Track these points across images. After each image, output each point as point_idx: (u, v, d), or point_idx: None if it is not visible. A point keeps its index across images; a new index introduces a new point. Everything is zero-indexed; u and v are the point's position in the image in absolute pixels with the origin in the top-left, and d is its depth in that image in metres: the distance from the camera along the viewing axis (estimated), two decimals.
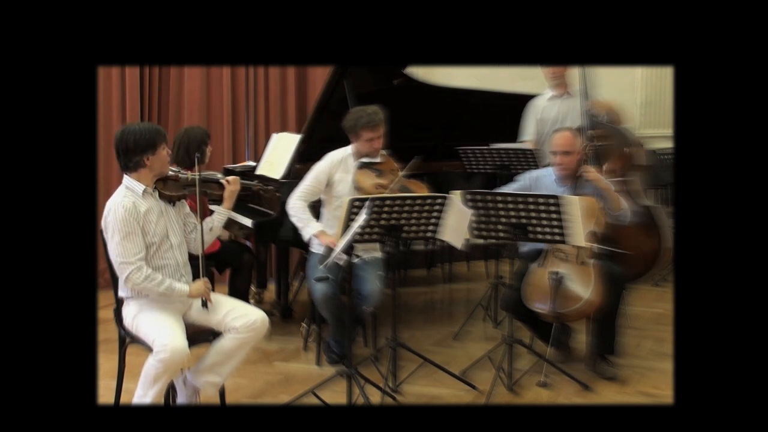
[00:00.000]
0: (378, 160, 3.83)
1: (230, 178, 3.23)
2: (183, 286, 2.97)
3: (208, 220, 3.19)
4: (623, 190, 3.84)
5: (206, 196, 3.21)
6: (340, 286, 3.66)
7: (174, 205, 3.08)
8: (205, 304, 3.00)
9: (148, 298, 2.97)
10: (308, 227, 3.74)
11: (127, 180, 2.97)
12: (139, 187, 2.95)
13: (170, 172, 3.07)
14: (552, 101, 4.62)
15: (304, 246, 3.95)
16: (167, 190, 3.03)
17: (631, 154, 4.16)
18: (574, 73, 4.48)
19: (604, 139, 4.15)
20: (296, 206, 3.79)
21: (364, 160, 3.81)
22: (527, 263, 3.76)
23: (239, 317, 2.98)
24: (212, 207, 3.29)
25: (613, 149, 4.16)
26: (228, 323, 2.98)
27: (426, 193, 3.72)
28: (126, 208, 2.87)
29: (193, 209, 3.20)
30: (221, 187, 3.21)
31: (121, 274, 2.88)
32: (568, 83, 4.58)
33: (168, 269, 3.00)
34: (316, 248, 3.88)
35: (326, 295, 3.65)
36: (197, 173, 3.09)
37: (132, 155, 2.92)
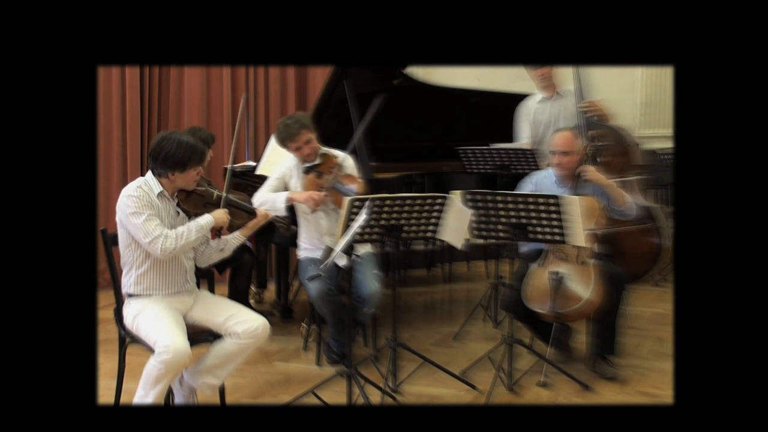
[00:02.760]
0: (317, 162, 3.86)
1: (260, 211, 3.23)
2: (207, 218, 3.00)
3: (222, 239, 3.17)
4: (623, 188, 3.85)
5: None
6: (339, 287, 3.68)
7: (190, 217, 3.07)
8: (219, 234, 3.04)
9: (150, 298, 2.98)
10: (279, 197, 3.82)
11: (149, 176, 2.99)
12: (156, 188, 2.95)
13: (198, 187, 3.06)
14: (543, 103, 4.63)
15: None
16: (187, 204, 3.04)
17: (627, 154, 4.16)
18: (563, 73, 4.49)
19: (599, 139, 4.16)
20: (260, 197, 3.89)
21: (307, 164, 3.88)
22: (527, 263, 3.76)
23: (241, 323, 2.98)
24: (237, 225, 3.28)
25: (608, 149, 4.16)
26: (229, 327, 2.98)
27: (359, 185, 3.78)
28: (143, 189, 2.91)
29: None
30: (247, 215, 3.19)
31: (156, 252, 2.87)
32: (557, 84, 4.59)
33: (173, 272, 3.02)
34: (303, 253, 3.97)
35: (322, 291, 3.66)
36: (224, 194, 3.08)
37: (159, 166, 2.94)
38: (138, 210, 2.86)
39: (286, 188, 3.95)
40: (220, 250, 3.17)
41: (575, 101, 4.34)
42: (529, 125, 4.67)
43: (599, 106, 4.30)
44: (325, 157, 3.88)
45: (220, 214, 3.03)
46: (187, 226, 2.94)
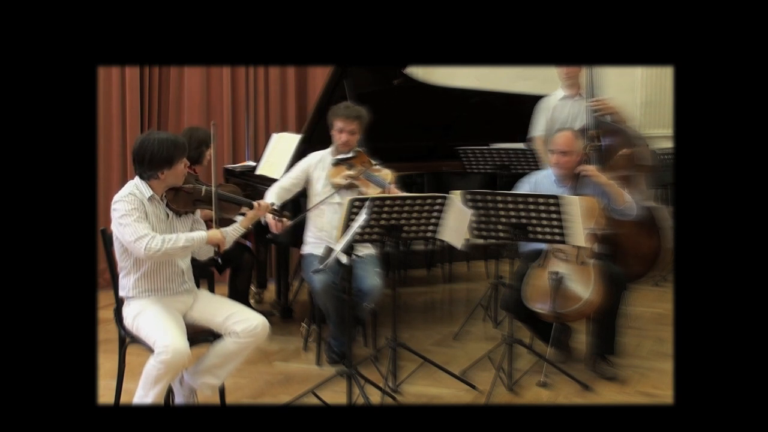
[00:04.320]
0: (350, 155, 3.93)
1: (261, 203, 3.21)
2: (201, 233, 2.97)
3: (222, 230, 3.11)
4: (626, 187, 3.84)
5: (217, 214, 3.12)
6: (341, 284, 3.68)
7: (180, 216, 3.06)
8: (218, 254, 3.01)
9: (149, 299, 2.98)
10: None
11: (137, 181, 2.97)
12: (147, 192, 2.94)
13: (185, 185, 3.03)
14: (563, 101, 4.61)
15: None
16: (176, 203, 3.00)
17: (635, 154, 4.15)
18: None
19: (607, 138, 4.15)
20: (269, 192, 3.92)
21: (339, 157, 3.93)
22: (527, 263, 3.76)
23: (240, 321, 2.98)
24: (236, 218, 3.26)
25: (616, 148, 4.15)
26: (229, 327, 2.97)
27: (390, 176, 3.85)
28: (135, 196, 2.90)
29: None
30: (238, 207, 3.17)
31: (140, 250, 2.82)
32: (581, 84, 4.56)
33: (170, 275, 3.01)
34: (308, 249, 3.98)
35: (326, 284, 3.67)
36: (213, 188, 3.04)
37: (147, 168, 2.93)
38: (128, 212, 2.84)
39: (306, 181, 4.00)
40: None
41: (586, 99, 4.32)
42: (546, 120, 4.65)
43: (610, 105, 4.28)
44: (359, 152, 3.95)
45: (215, 233, 2.99)
46: (179, 235, 2.90)
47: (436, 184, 4.65)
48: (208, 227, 3.16)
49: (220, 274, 4.47)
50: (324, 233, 3.90)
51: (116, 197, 2.92)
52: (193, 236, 2.94)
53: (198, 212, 3.15)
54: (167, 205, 3.00)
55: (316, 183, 3.98)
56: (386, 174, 3.89)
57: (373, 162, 3.95)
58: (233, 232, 3.15)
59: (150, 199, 2.94)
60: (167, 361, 2.75)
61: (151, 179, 2.95)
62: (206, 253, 3.16)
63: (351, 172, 3.83)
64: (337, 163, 3.91)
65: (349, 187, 3.83)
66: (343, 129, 3.89)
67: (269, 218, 3.49)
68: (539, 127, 4.67)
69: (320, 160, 4.00)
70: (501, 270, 4.52)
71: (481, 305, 4.70)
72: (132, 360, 3.10)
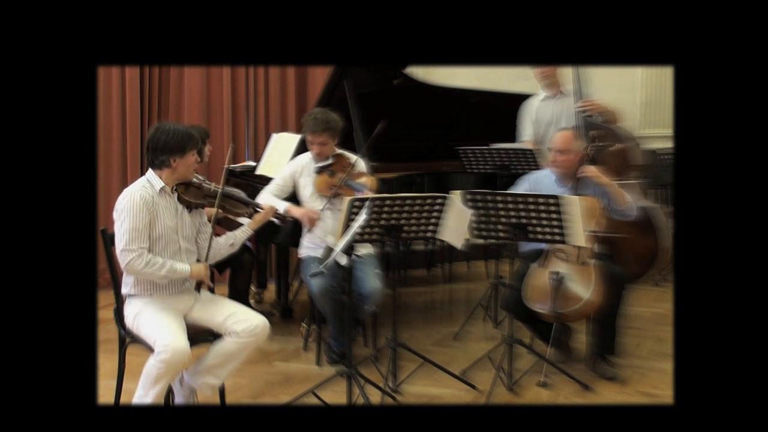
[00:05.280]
0: (330, 161, 3.89)
1: (266, 206, 3.26)
2: (184, 266, 2.98)
3: (230, 234, 3.20)
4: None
5: (226, 211, 3.17)
6: (340, 286, 3.68)
7: (191, 211, 3.08)
8: (198, 288, 3.00)
9: (151, 298, 2.98)
10: (279, 206, 3.80)
11: (150, 174, 3.00)
12: (158, 185, 2.96)
13: (195, 180, 3.07)
14: (546, 102, 4.62)
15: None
16: (187, 195, 3.04)
17: (626, 154, 4.15)
18: (566, 72, 4.48)
19: (598, 140, 4.15)
20: (264, 198, 3.89)
21: (320, 164, 3.90)
22: (527, 263, 3.76)
23: (240, 321, 2.98)
24: (241, 221, 3.30)
25: (607, 149, 4.15)
26: (229, 327, 2.98)
27: (371, 181, 3.81)
28: (142, 197, 2.90)
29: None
30: (245, 206, 3.20)
31: (123, 261, 2.88)
32: (561, 83, 4.58)
33: None
34: (304, 252, 3.98)
35: (324, 288, 3.67)
36: (221, 186, 3.08)
37: (159, 154, 2.95)
38: (129, 215, 2.87)
39: (294, 186, 3.97)
40: (230, 245, 3.19)
41: (574, 102, 4.33)
42: (531, 124, 4.66)
43: (597, 105, 4.27)
44: (338, 157, 3.91)
45: (198, 268, 3.00)
46: (165, 261, 2.92)
47: (436, 184, 4.65)
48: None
49: (220, 274, 4.47)
50: (318, 239, 3.90)
51: (124, 192, 2.94)
52: (177, 267, 2.94)
53: (204, 216, 3.17)
54: (178, 198, 3.02)
55: (303, 190, 3.97)
56: (366, 180, 3.83)
57: (354, 163, 3.89)
58: (241, 234, 3.21)
59: (161, 191, 2.96)
60: (167, 360, 2.75)
61: (163, 167, 2.97)
62: (216, 255, 3.18)
63: (333, 181, 3.82)
64: (320, 171, 3.90)
65: (335, 196, 3.83)
66: (312, 141, 3.86)
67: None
68: (526, 131, 4.68)
69: (305, 166, 3.98)
70: (501, 270, 4.52)
71: (481, 305, 4.70)
72: (132, 360, 3.10)
